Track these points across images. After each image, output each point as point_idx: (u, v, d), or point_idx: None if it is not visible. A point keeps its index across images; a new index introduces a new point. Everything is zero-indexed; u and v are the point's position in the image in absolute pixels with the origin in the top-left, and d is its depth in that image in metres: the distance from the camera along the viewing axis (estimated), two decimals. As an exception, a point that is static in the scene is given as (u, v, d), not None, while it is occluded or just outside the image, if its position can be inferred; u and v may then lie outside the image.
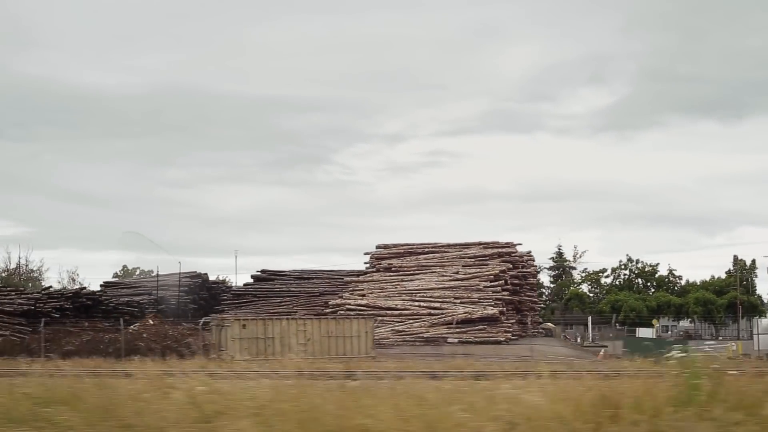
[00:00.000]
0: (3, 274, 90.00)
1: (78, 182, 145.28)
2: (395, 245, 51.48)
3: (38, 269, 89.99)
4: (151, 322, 31.17)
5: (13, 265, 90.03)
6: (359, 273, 59.51)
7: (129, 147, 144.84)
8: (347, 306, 43.59)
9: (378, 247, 52.15)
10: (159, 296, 64.20)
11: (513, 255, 49.30)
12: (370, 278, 48.09)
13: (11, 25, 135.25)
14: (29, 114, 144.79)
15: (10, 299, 54.32)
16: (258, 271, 62.01)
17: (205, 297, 66.25)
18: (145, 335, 30.05)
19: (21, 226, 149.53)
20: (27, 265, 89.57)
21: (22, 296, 55.27)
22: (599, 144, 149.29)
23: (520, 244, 50.56)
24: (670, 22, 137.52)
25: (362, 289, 45.84)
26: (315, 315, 49.47)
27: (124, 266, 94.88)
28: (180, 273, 64.36)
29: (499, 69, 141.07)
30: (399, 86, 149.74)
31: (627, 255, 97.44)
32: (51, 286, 76.15)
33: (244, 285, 61.09)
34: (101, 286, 71.81)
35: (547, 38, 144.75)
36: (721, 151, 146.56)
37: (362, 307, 42.45)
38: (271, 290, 58.34)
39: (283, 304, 55.30)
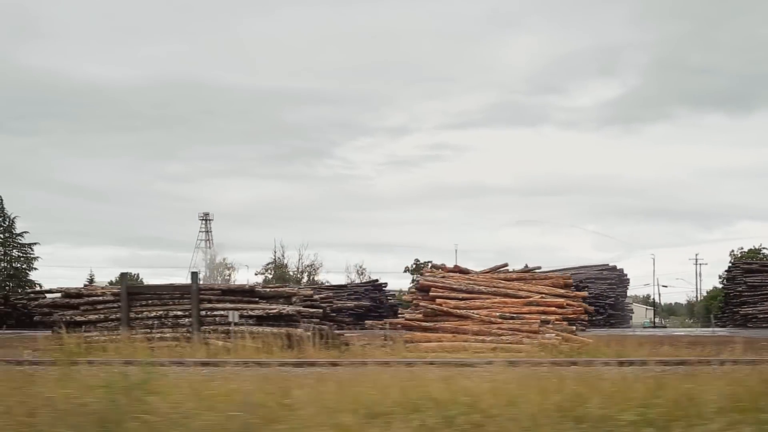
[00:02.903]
0: (275, 271, 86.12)
1: (78, 176, 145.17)
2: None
3: (311, 264, 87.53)
4: None
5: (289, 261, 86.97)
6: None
7: (130, 140, 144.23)
8: None
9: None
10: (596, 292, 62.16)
11: None
12: None
13: (14, 16, 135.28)
14: (30, 106, 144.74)
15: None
16: (731, 264, 63.22)
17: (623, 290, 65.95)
18: None
19: (20, 220, 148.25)
20: (301, 260, 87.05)
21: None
22: (604, 137, 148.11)
23: None
24: (683, 12, 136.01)
25: None
26: None
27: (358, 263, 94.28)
28: (596, 267, 64.50)
29: (507, 60, 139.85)
30: (406, 78, 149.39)
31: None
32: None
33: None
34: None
35: (558, 29, 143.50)
36: (724, 144, 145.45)
37: None
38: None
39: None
